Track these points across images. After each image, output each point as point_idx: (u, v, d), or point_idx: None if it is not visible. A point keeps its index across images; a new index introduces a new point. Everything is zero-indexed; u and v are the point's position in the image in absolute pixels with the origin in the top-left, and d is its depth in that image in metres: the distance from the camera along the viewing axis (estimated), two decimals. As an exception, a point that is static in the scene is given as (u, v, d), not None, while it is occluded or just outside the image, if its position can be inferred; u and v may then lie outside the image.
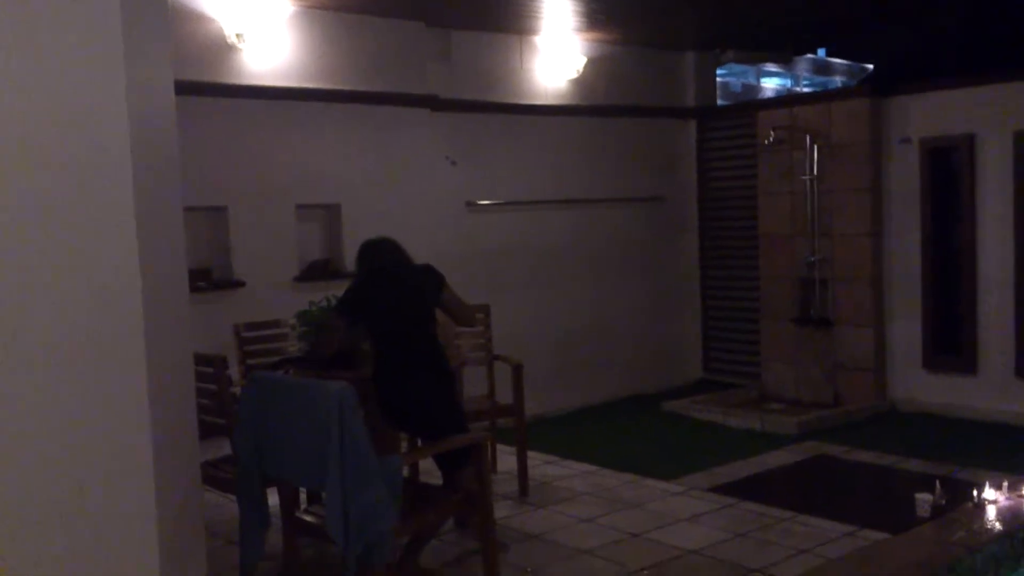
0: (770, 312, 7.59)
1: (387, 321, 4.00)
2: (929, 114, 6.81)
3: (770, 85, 37.48)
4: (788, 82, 36.79)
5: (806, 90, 30.98)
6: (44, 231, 2.57)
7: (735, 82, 37.56)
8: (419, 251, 6.20)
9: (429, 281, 4.11)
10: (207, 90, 5.52)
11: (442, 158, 6.66)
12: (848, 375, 7.19)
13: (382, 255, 4.17)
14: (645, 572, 4.08)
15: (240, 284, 5.67)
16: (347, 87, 6.13)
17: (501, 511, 4.89)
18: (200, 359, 3.91)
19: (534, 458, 5.78)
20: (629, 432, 6.79)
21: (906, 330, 7.02)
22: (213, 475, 3.92)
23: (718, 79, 8.75)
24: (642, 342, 7.94)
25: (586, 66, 7.30)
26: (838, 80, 30.89)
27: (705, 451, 6.09)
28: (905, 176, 6.92)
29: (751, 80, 38.32)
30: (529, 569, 4.07)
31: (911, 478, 5.26)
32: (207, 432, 4.00)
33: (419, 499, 3.64)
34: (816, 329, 7.29)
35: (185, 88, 5.34)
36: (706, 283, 8.31)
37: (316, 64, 6.02)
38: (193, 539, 2.99)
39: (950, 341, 6.87)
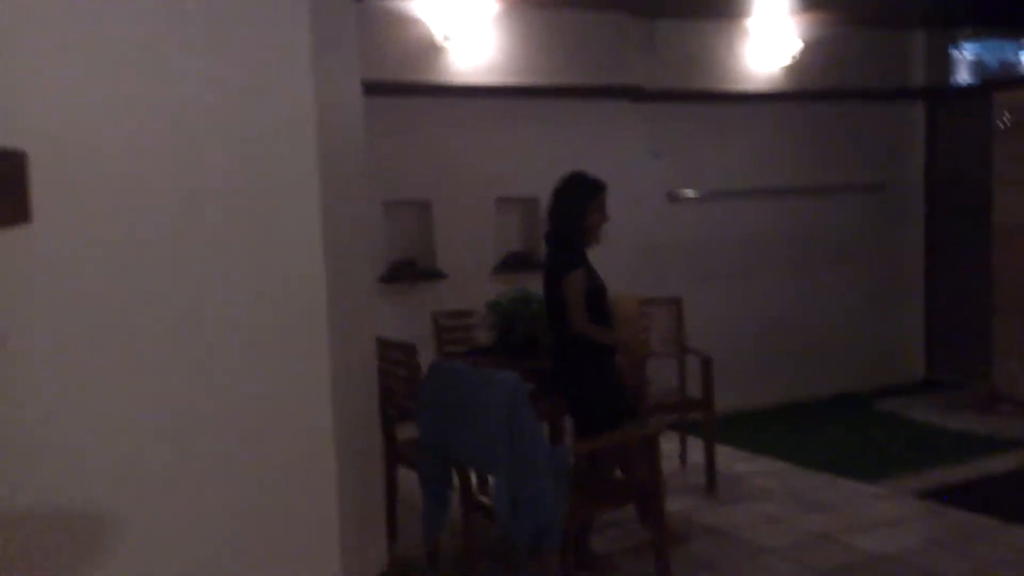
0: (1005, 306, 7.02)
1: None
2: None
3: (1034, 58, 34.21)
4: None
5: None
6: (233, 222, 2.77)
7: (991, 59, 34.63)
8: (619, 243, 6.35)
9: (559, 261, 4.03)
10: (416, 90, 5.85)
11: (644, 149, 6.67)
12: (1089, 377, 6.54)
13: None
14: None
15: (442, 275, 5.98)
16: (549, 82, 6.27)
17: (685, 504, 4.90)
18: (393, 346, 4.21)
19: (726, 453, 5.71)
20: (833, 431, 6.53)
21: None
22: (407, 454, 4.20)
23: (968, 57, 8.13)
24: (856, 338, 7.58)
25: (802, 50, 7.04)
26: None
27: (916, 454, 5.77)
28: None
29: (1010, 57, 35.16)
30: None
31: None
32: (404, 415, 4.31)
33: (593, 488, 3.73)
34: (1053, 326, 6.68)
35: (395, 89, 5.77)
36: (931, 276, 7.80)
37: (519, 61, 6.20)
38: (373, 518, 3.22)
39: None
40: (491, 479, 3.38)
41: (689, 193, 6.92)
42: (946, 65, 7.91)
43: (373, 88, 5.54)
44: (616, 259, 6.15)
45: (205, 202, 2.76)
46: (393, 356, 4.20)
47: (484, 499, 3.60)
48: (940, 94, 7.69)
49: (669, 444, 5.73)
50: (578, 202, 4.08)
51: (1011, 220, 6.90)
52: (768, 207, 7.17)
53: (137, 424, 2.69)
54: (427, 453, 3.63)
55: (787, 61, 7.02)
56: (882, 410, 6.84)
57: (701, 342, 5.52)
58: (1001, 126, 6.76)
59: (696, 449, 5.43)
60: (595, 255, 4.20)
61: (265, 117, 2.84)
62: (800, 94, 7.18)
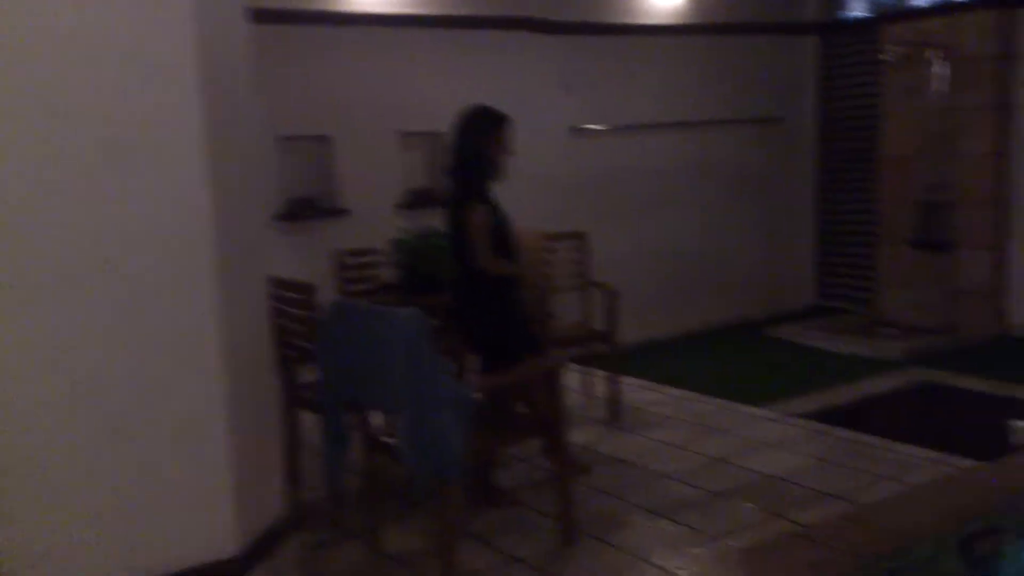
0: (888, 236, 7.33)
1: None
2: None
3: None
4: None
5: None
6: (109, 156, 2.72)
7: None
8: (523, 178, 6.33)
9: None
10: (312, 18, 5.70)
11: (548, 82, 6.64)
12: (965, 300, 6.92)
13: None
14: (723, 496, 4.14)
15: (345, 212, 5.91)
16: (451, 11, 6.18)
17: (589, 435, 5.03)
18: (291, 286, 4.17)
19: (631, 384, 5.86)
20: (731, 358, 6.77)
21: (1029, 253, 6.68)
22: (306, 397, 4.19)
23: None
24: (753, 267, 7.83)
25: (700, -19, 7.10)
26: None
27: (806, 377, 6.03)
28: (1035, 91, 6.50)
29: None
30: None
31: (1015, 405, 5.07)
32: (305, 357, 4.28)
33: (496, 423, 3.80)
34: (935, 253, 7.01)
35: (289, 17, 5.60)
36: (822, 207, 8.07)
37: (414, -10, 6.09)
38: (269, 463, 3.23)
39: (1078, 265, 6.50)
40: (392, 417, 3.40)
41: (593, 127, 6.96)
42: (838, -1, 8.08)
43: (265, 16, 5.37)
44: (520, 194, 6.13)
45: (79, 133, 2.67)
46: (291, 296, 4.16)
47: (387, 438, 3.63)
48: (832, 27, 7.85)
49: (575, 377, 5.88)
50: (481, 135, 4.06)
51: (896, 152, 7.18)
52: (670, 140, 7.27)
53: (25, 369, 2.62)
54: (326, 394, 3.62)
55: (686, -6, 7.08)
56: (775, 336, 7.11)
57: (606, 276, 5.60)
58: (888, 59, 6.96)
59: (601, 381, 5.56)
60: (499, 190, 4.21)
61: (142, 44, 2.74)
62: (699, 27, 7.25)
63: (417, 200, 6.14)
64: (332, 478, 3.78)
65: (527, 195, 6.17)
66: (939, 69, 6.73)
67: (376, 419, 3.71)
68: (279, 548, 3.23)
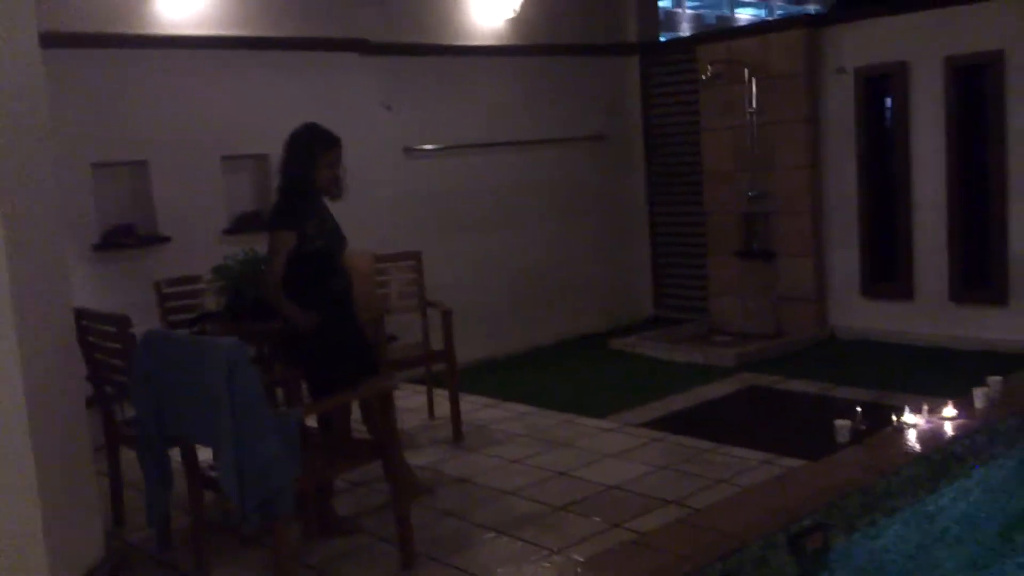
0: (716, 247, 7.62)
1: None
2: (863, 43, 6.77)
3: (745, 16, 36.93)
4: (763, 12, 36.21)
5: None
6: None
7: (708, 14, 37.06)
8: (357, 199, 6.18)
9: None
10: (120, 42, 5.43)
11: (376, 104, 6.57)
12: (790, 306, 7.25)
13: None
14: (564, 510, 4.14)
15: (166, 239, 5.63)
16: (270, 33, 6.02)
17: (433, 456, 4.98)
18: (104, 319, 3.91)
19: (474, 402, 5.85)
20: (574, 372, 6.85)
21: (844, 259, 7.07)
22: (126, 434, 3.94)
23: (690, 11, 8.67)
24: (592, 282, 7.96)
25: (523, 4, 7.18)
26: (811, 9, 30.56)
27: (644, 387, 6.15)
28: (841, 106, 6.90)
29: (725, 11, 37.78)
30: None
31: (839, 406, 5.33)
32: (123, 392, 4.03)
33: (328, 449, 3.67)
34: (759, 262, 7.33)
35: (97, 41, 5.33)
36: (654, 220, 8.30)
37: (236, 10, 5.90)
38: (84, 506, 3.01)
39: (887, 268, 6.92)
40: (216, 450, 3.23)
41: (426, 147, 6.92)
42: (656, 21, 8.36)
43: (69, 40, 5.10)
44: (354, 215, 6.03)
45: None
46: (104, 330, 3.90)
47: (213, 472, 3.44)
48: (651, 48, 8.13)
49: (418, 399, 5.81)
50: (307, 155, 3.95)
51: (717, 167, 7.48)
52: (504, 160, 7.32)
53: None
54: (143, 429, 3.41)
55: (509, 15, 7.15)
56: (616, 348, 7.24)
57: (448, 295, 5.57)
58: (704, 77, 7.26)
59: (443, 401, 5.50)
60: (334, 211, 4.12)
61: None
62: (525, 48, 7.35)
63: (242, 225, 5.92)
64: (155, 516, 3.58)
65: (361, 216, 6.05)
66: (752, 86, 7.07)
67: (204, 453, 3.52)
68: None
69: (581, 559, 3.61)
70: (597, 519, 4.00)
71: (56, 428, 2.91)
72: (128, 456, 4.06)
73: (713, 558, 3.54)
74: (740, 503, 4.12)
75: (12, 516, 2.73)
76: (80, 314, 4.05)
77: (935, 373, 5.93)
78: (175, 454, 3.54)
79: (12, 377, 2.72)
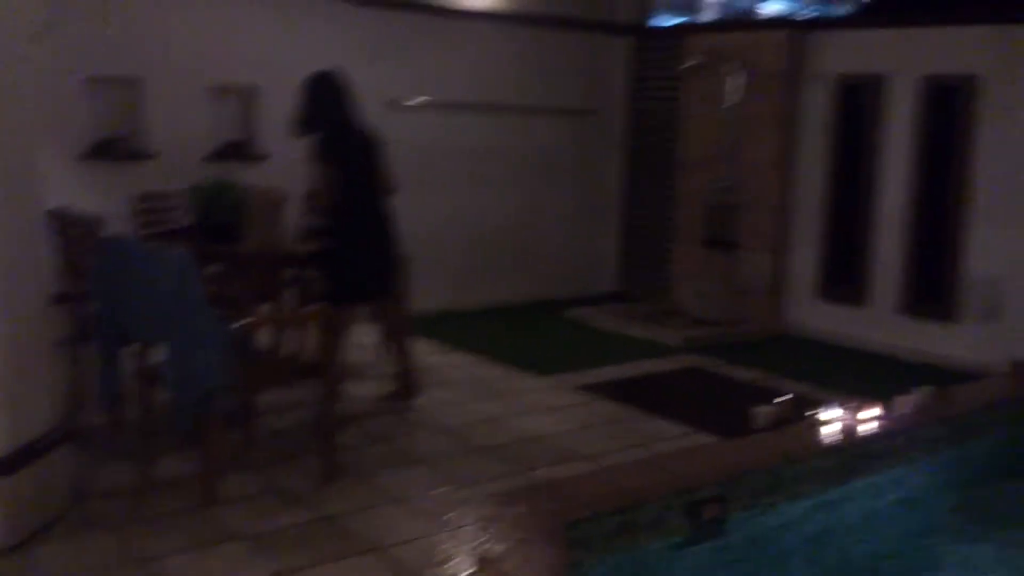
0: (683, 233, 7.87)
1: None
2: (845, 52, 6.99)
3: (774, 8, 36.78)
4: (797, 5, 36.07)
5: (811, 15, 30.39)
6: None
7: (736, 2, 36.92)
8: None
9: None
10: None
11: (364, 54, 6.77)
12: (748, 298, 7.51)
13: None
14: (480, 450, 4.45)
15: (151, 156, 5.88)
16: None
17: (375, 389, 5.25)
18: (77, 221, 4.19)
19: (427, 348, 6.13)
20: (527, 332, 7.14)
21: (804, 258, 7.32)
22: (89, 328, 4.22)
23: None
24: (560, 250, 8.23)
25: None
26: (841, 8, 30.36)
27: (589, 354, 6.43)
28: (818, 110, 7.13)
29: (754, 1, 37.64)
30: None
31: (771, 395, 5.58)
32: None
33: (266, 365, 3.98)
34: (722, 252, 7.58)
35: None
36: (629, 200, 8.55)
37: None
38: (39, 379, 3.29)
39: (844, 272, 7.17)
40: (160, 348, 3.53)
41: (409, 102, 7.14)
42: (649, 4, 8.49)
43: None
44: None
45: None
46: (78, 231, 4.18)
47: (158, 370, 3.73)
48: (641, 31, 8.32)
49: (372, 336, 6.09)
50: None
51: (692, 155, 7.71)
52: (486, 122, 7.55)
53: None
54: (101, 324, 3.70)
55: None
56: (570, 316, 7.52)
57: (416, 246, 5.80)
58: (687, 66, 7.47)
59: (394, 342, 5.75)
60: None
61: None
62: (517, 17, 7.54)
63: (226, 152, 6.18)
64: (105, 403, 3.88)
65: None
66: (732, 80, 7.29)
67: (158, 356, 3.81)
68: (47, 458, 3.31)
69: (488, 494, 3.90)
70: (512, 463, 4.31)
71: (19, 315, 3.18)
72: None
73: (611, 509, 3.84)
74: (647, 465, 4.42)
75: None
76: (59, 215, 4.34)
77: (876, 378, 6.08)
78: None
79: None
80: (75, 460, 3.67)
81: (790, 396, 5.15)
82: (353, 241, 4.66)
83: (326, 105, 4.62)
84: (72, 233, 4.29)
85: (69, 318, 4.41)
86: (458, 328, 6.93)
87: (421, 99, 7.12)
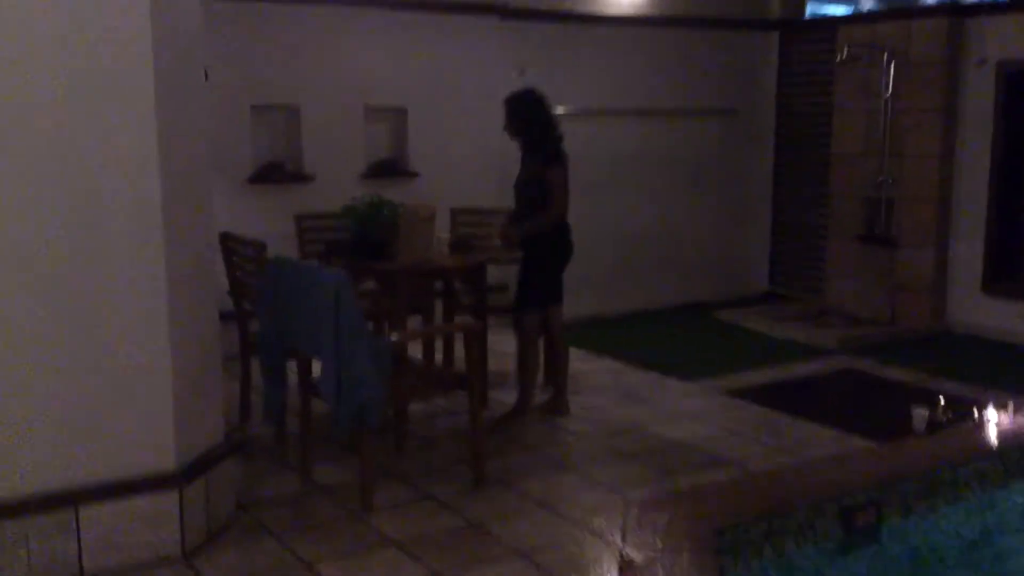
0: (837, 229, 7.66)
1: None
2: (1007, 36, 6.63)
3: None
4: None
5: None
6: (67, 129, 3.09)
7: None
8: (485, 157, 6.70)
9: None
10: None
11: (510, 67, 6.94)
12: (907, 295, 7.24)
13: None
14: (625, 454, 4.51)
15: (310, 178, 6.25)
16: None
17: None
18: (244, 243, 4.53)
19: (573, 353, 6.17)
20: (674, 336, 7.12)
21: (968, 253, 7.00)
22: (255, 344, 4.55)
23: None
24: (709, 252, 8.16)
25: (664, -25, 7.37)
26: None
27: (738, 358, 6.37)
28: (979, 98, 6.80)
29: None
30: None
31: (931, 397, 5.37)
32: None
33: (416, 376, 4.18)
34: (879, 248, 7.33)
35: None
36: (778, 198, 8.39)
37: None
38: (209, 397, 3.59)
39: (1010, 267, 6.82)
40: (319, 362, 3.77)
41: (556, 111, 7.23)
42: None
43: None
44: (485, 171, 6.56)
45: (38, 110, 3.02)
46: (244, 253, 4.51)
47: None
48: (792, 25, 8.14)
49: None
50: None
51: (845, 150, 7.49)
52: (630, 127, 7.58)
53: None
54: (265, 340, 3.99)
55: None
56: (721, 319, 7.45)
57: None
58: (842, 58, 7.26)
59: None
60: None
61: (100, 29, 3.09)
62: (663, 19, 7.54)
63: (378, 170, 6.48)
64: (270, 414, 4.18)
65: (491, 173, 6.57)
66: (890, 71, 7.04)
67: (318, 369, 4.07)
68: (217, 470, 3.60)
69: (633, 499, 3.96)
70: (656, 468, 4.34)
71: (191, 333, 3.48)
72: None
73: (757, 515, 3.82)
74: (794, 471, 4.35)
75: (151, 397, 3.33)
76: (226, 237, 4.70)
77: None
78: (293, 367, 4.13)
79: (159, 288, 3.29)
80: (242, 470, 3.97)
81: (955, 401, 4.97)
82: (567, 245, 5.03)
83: (551, 118, 5.02)
84: (239, 254, 4.62)
85: (236, 335, 4.77)
86: (604, 334, 6.98)
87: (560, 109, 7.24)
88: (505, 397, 5.31)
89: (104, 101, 3.13)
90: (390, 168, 6.52)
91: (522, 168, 5.02)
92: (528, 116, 4.96)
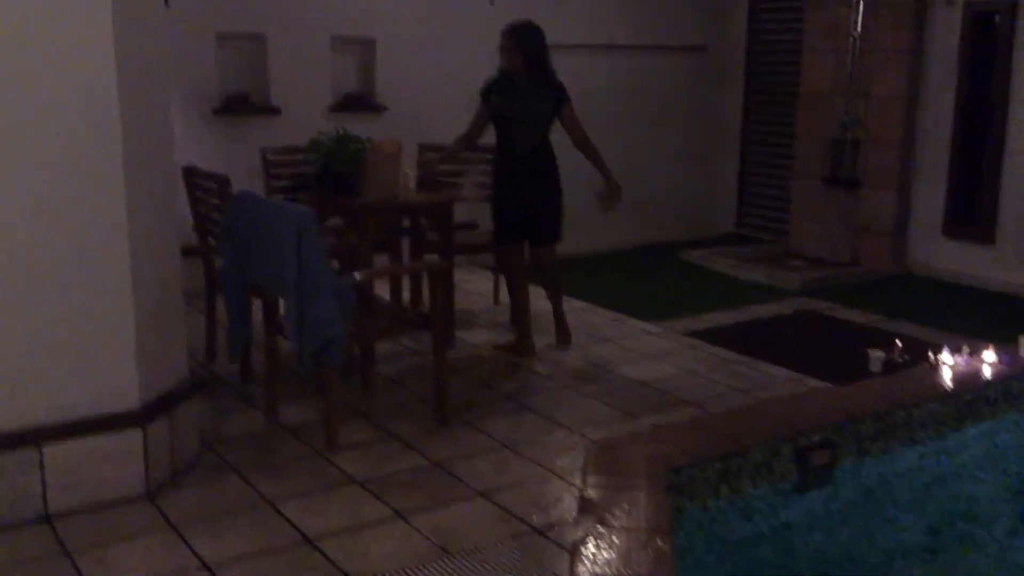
0: (802, 170, 7.70)
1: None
2: (978, -22, 6.62)
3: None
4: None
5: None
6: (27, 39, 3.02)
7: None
8: (453, 89, 6.58)
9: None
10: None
11: (482, 2, 6.81)
12: (869, 237, 7.33)
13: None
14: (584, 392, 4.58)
15: (276, 111, 6.15)
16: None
17: (486, 336, 5.44)
18: (209, 177, 4.47)
19: (535, 293, 6.23)
20: (639, 276, 7.17)
21: (930, 196, 7.08)
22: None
23: None
24: (675, 192, 8.17)
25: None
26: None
27: (700, 299, 6.44)
28: (946, 40, 6.80)
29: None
30: None
31: (889, 339, 5.48)
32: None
33: (380, 315, 4.19)
34: (843, 190, 7.39)
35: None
36: (746, 137, 8.39)
37: None
38: (171, 332, 3.58)
39: (972, 210, 6.91)
40: (282, 300, 3.77)
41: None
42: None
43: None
44: (448, 106, 6.45)
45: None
46: (208, 187, 4.46)
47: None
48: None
49: (486, 283, 6.28)
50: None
51: (813, 89, 7.49)
52: (597, 63, 7.51)
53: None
54: (228, 277, 3.98)
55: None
56: (685, 259, 7.51)
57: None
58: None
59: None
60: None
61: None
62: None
63: (346, 104, 6.38)
64: (234, 352, 4.18)
65: (453, 107, 6.47)
66: (859, 9, 7.00)
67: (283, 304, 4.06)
68: (181, 408, 3.61)
69: (594, 440, 4.04)
70: (617, 409, 4.42)
71: (152, 267, 3.44)
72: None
73: (715, 455, 3.92)
74: (750, 411, 4.46)
75: (112, 334, 3.30)
76: (191, 171, 4.63)
77: (1001, 320, 5.92)
78: (260, 304, 4.12)
79: (119, 221, 3.24)
80: (206, 409, 3.98)
81: (912, 342, 5.08)
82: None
83: (546, 51, 5.08)
84: (203, 188, 4.56)
85: (200, 272, 4.74)
86: (570, 274, 6.96)
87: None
88: (472, 337, 5.36)
89: (61, 20, 3.06)
90: (358, 102, 6.42)
91: (517, 99, 5.02)
92: (536, 46, 5.00)
